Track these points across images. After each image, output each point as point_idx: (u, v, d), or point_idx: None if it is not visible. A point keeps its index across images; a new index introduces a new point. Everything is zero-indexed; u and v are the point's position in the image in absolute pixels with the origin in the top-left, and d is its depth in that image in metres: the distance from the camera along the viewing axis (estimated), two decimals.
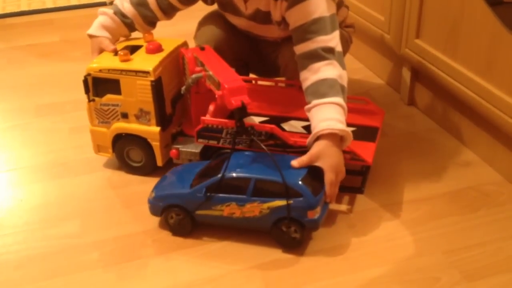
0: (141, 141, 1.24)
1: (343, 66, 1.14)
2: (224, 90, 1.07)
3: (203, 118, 1.15)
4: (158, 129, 1.22)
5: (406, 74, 1.53)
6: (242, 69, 1.38)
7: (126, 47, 1.24)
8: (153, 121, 1.22)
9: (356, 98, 1.29)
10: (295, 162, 1.05)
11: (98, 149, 1.29)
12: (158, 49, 1.23)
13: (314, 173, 1.04)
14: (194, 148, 1.21)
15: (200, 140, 1.18)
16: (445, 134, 1.41)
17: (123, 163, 1.28)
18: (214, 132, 1.15)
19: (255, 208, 1.03)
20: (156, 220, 1.13)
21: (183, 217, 1.08)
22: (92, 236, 1.12)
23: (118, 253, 1.08)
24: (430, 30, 1.37)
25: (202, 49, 1.22)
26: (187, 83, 1.20)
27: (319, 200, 1.02)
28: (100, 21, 1.28)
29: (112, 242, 1.10)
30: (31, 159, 1.38)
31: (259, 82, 1.36)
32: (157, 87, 1.19)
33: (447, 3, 1.29)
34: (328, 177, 1.04)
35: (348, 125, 1.09)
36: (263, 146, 1.06)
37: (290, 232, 1.04)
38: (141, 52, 1.23)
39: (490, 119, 1.22)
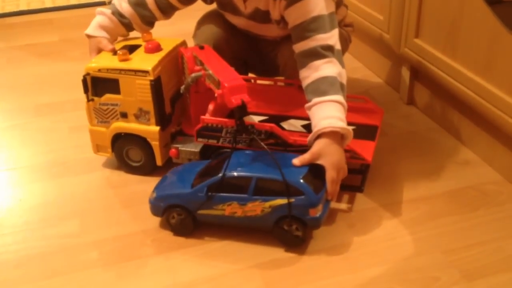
0: (140, 141, 1.24)
1: (342, 64, 1.14)
2: (224, 88, 1.07)
3: (202, 117, 1.15)
4: (157, 128, 1.22)
5: (406, 74, 1.53)
6: (241, 68, 1.38)
7: (124, 47, 1.24)
8: (153, 120, 1.22)
9: (356, 97, 1.29)
10: (296, 161, 1.05)
11: (97, 149, 1.29)
12: (157, 48, 1.23)
13: (316, 171, 1.04)
14: (193, 147, 1.21)
15: (200, 139, 1.18)
16: (444, 133, 1.41)
17: (123, 162, 1.28)
18: (213, 131, 1.15)
19: (256, 207, 1.03)
20: (155, 219, 1.13)
21: (184, 217, 1.08)
22: (91, 235, 1.12)
23: (118, 252, 1.08)
24: (429, 29, 1.37)
25: (201, 48, 1.22)
26: (186, 82, 1.20)
27: (321, 198, 1.02)
28: (98, 21, 1.28)
29: (111, 241, 1.10)
30: (30, 159, 1.38)
31: (258, 81, 1.36)
32: (156, 86, 1.19)
33: (446, 3, 1.29)
34: (330, 174, 1.04)
35: (348, 124, 1.09)
36: (263, 145, 1.06)
37: (292, 230, 1.04)
38: (140, 52, 1.23)
39: (489, 118, 1.22)
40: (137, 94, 1.19)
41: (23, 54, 1.95)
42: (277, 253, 1.06)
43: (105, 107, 1.23)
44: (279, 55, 1.31)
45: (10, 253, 1.09)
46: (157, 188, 1.12)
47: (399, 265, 1.03)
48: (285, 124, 1.23)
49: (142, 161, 1.26)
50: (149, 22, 1.31)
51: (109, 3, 1.33)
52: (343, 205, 1.17)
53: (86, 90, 1.22)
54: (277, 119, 1.24)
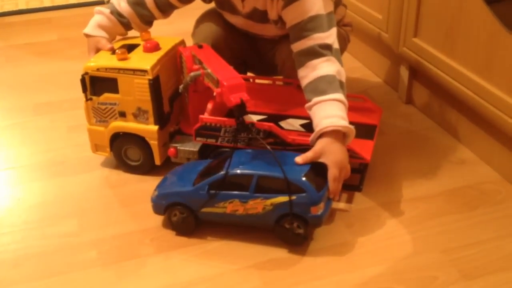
0: (139, 140, 1.24)
1: (340, 62, 1.14)
2: (223, 87, 1.07)
3: (201, 116, 1.15)
4: (156, 127, 1.22)
5: (404, 73, 1.53)
6: (240, 67, 1.38)
7: (123, 46, 1.24)
8: (151, 119, 1.22)
9: (354, 96, 1.29)
10: (299, 159, 1.05)
11: (96, 148, 1.29)
12: (155, 47, 1.22)
13: (317, 170, 1.04)
14: (192, 146, 1.21)
15: (198, 139, 1.18)
16: (443, 132, 1.41)
17: (121, 162, 1.28)
18: (212, 130, 1.15)
19: (258, 205, 1.03)
20: (154, 219, 1.13)
21: (186, 216, 1.08)
22: (90, 234, 1.12)
23: (116, 251, 1.08)
24: (428, 28, 1.37)
25: (200, 47, 1.22)
26: (185, 81, 1.20)
27: (322, 196, 1.02)
28: (97, 20, 1.28)
29: (110, 240, 1.10)
30: (29, 158, 1.38)
31: (257, 81, 1.36)
32: (155, 85, 1.18)
33: (445, 2, 1.29)
34: (332, 172, 1.04)
35: None
36: (264, 143, 1.06)
37: (293, 228, 1.04)
38: (138, 51, 1.23)
39: (488, 117, 1.22)
40: (135, 93, 1.19)
41: (22, 53, 1.94)
42: (275, 252, 1.06)
43: (103, 107, 1.23)
44: (277, 54, 1.31)
45: (9, 252, 1.09)
46: (158, 186, 1.12)
47: (397, 264, 1.03)
48: (283, 124, 1.23)
49: (140, 160, 1.26)
50: (148, 21, 1.31)
51: (108, 2, 1.33)
52: (341, 205, 1.17)
53: (84, 90, 1.22)
54: (276, 119, 1.24)
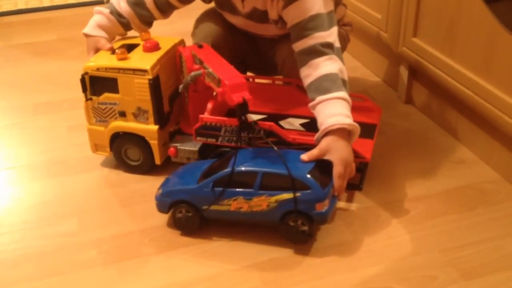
0: (139, 140, 1.24)
1: (342, 61, 1.14)
2: (225, 86, 1.07)
3: (201, 116, 1.15)
4: (156, 127, 1.22)
5: (404, 73, 1.53)
6: (240, 67, 1.38)
7: (123, 46, 1.24)
8: (151, 119, 1.22)
9: (354, 95, 1.28)
10: (304, 156, 1.05)
11: (96, 148, 1.29)
12: (155, 47, 1.22)
13: (322, 167, 1.04)
14: (192, 146, 1.21)
15: (199, 138, 1.18)
16: (442, 132, 1.41)
17: (121, 161, 1.28)
18: (212, 130, 1.15)
19: (262, 202, 1.03)
20: (154, 218, 1.13)
21: (192, 214, 1.08)
22: (90, 234, 1.12)
23: (116, 251, 1.08)
24: (427, 28, 1.37)
25: (200, 46, 1.22)
26: (185, 81, 1.20)
27: (327, 193, 1.02)
28: (96, 20, 1.28)
29: (109, 240, 1.10)
30: (28, 158, 1.38)
31: (257, 80, 1.36)
32: (155, 85, 1.19)
33: (444, 1, 1.29)
34: (337, 169, 1.04)
35: None
36: (268, 141, 1.06)
37: (298, 225, 1.04)
38: (138, 51, 1.23)
39: (487, 117, 1.22)
40: (135, 93, 1.19)
41: (21, 53, 1.94)
42: (274, 252, 1.06)
43: (103, 106, 1.23)
44: (278, 54, 1.32)
45: (8, 252, 1.09)
46: (163, 185, 1.12)
47: (397, 264, 1.03)
48: (283, 123, 1.23)
49: (140, 160, 1.26)
50: (148, 21, 1.31)
51: (107, 2, 1.33)
52: (341, 204, 1.17)
53: (84, 89, 1.22)
54: (276, 118, 1.24)
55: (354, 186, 1.17)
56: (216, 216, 1.08)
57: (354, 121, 1.08)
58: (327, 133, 1.07)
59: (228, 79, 1.07)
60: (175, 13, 1.34)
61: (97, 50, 1.27)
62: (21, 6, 2.34)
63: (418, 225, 1.12)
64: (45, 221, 1.17)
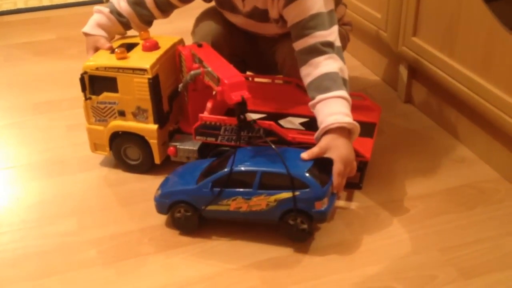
0: (138, 139, 1.24)
1: (343, 60, 1.14)
2: (224, 85, 1.07)
3: (201, 115, 1.15)
4: (155, 126, 1.22)
5: (403, 72, 1.53)
6: (239, 66, 1.38)
7: (122, 45, 1.24)
8: (151, 118, 1.22)
9: (353, 94, 1.28)
10: (305, 154, 1.05)
11: (95, 147, 1.29)
12: (154, 46, 1.22)
13: (321, 165, 1.04)
14: (192, 145, 1.21)
15: (198, 137, 1.18)
16: (442, 131, 1.41)
17: (120, 161, 1.28)
18: (212, 129, 1.15)
19: (262, 201, 1.03)
20: (153, 218, 1.13)
21: (190, 214, 1.08)
22: (89, 234, 1.12)
23: (115, 250, 1.08)
24: (427, 27, 1.37)
25: (200, 45, 1.22)
26: (184, 80, 1.20)
27: (326, 191, 1.02)
28: (96, 19, 1.28)
29: (109, 240, 1.10)
30: (28, 157, 1.38)
31: (256, 79, 1.36)
32: (154, 84, 1.18)
33: (444, 1, 1.29)
34: (337, 167, 1.04)
35: None
36: (267, 140, 1.06)
37: (297, 224, 1.04)
38: (137, 50, 1.23)
39: (487, 116, 1.22)
40: (135, 92, 1.19)
41: (21, 52, 1.94)
42: (274, 251, 1.06)
43: (103, 106, 1.23)
44: (278, 52, 1.32)
45: (8, 252, 1.09)
46: (162, 186, 1.12)
47: (396, 263, 1.03)
48: (283, 122, 1.24)
49: (140, 160, 1.26)
50: (148, 21, 1.31)
51: (107, 1, 1.33)
52: (341, 203, 1.17)
53: (83, 89, 1.21)
54: (275, 117, 1.24)
55: (353, 185, 1.17)
56: (215, 216, 1.08)
57: (354, 120, 1.08)
58: (326, 132, 1.07)
59: (227, 78, 1.07)
60: (174, 12, 1.34)
61: (96, 49, 1.27)
62: (21, 5, 2.34)
63: (418, 224, 1.12)
64: (45, 220, 1.16)
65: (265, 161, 1.04)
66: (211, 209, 1.06)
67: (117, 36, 1.32)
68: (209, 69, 1.13)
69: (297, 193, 1.01)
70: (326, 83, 1.10)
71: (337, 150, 1.05)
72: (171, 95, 1.26)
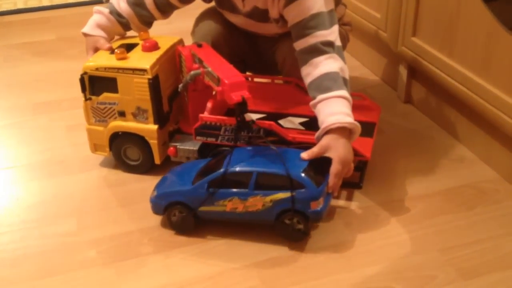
0: (138, 139, 1.24)
1: (343, 59, 1.14)
2: (224, 85, 1.07)
3: (201, 115, 1.15)
4: (155, 127, 1.22)
5: (403, 72, 1.53)
6: (239, 66, 1.38)
7: (122, 45, 1.24)
8: (151, 119, 1.22)
9: (353, 94, 1.28)
10: (305, 154, 1.05)
11: (95, 148, 1.29)
12: (154, 47, 1.22)
13: (316, 165, 1.04)
14: (192, 145, 1.21)
15: (198, 138, 1.18)
16: (441, 131, 1.41)
17: (120, 161, 1.28)
18: (212, 129, 1.15)
19: (258, 202, 1.03)
20: (152, 218, 1.13)
21: (186, 215, 1.08)
22: (89, 234, 1.12)
23: (115, 251, 1.08)
24: (426, 27, 1.37)
25: (200, 46, 1.22)
26: (184, 80, 1.20)
27: (322, 191, 1.02)
28: (95, 20, 1.28)
29: (108, 240, 1.10)
30: (28, 157, 1.38)
31: (256, 79, 1.36)
32: (154, 85, 1.19)
33: (443, 1, 1.29)
34: (335, 167, 1.04)
35: None
36: (266, 139, 1.06)
37: (293, 224, 1.04)
38: (137, 50, 1.23)
39: (486, 116, 1.22)
40: (135, 92, 1.19)
41: (20, 53, 1.94)
42: (274, 251, 1.06)
43: (102, 106, 1.23)
44: (278, 52, 1.32)
45: (7, 252, 1.09)
46: (157, 187, 1.12)
47: (395, 264, 1.03)
48: (283, 122, 1.24)
49: (140, 160, 1.26)
50: (147, 22, 1.31)
51: (107, 1, 1.33)
52: (340, 203, 1.17)
53: (83, 89, 1.22)
54: (275, 117, 1.24)
55: (353, 184, 1.17)
56: (211, 217, 1.08)
57: (354, 119, 1.08)
58: (327, 132, 1.07)
59: (227, 78, 1.07)
60: (174, 13, 1.34)
61: (96, 49, 1.27)
62: (20, 5, 2.34)
63: (417, 224, 1.12)
64: (44, 220, 1.17)
65: (261, 161, 1.05)
66: (207, 210, 1.06)
67: (116, 37, 1.32)
68: (209, 69, 1.13)
69: (293, 193, 1.01)
70: (326, 82, 1.10)
71: (337, 150, 1.05)
72: (171, 95, 1.26)
